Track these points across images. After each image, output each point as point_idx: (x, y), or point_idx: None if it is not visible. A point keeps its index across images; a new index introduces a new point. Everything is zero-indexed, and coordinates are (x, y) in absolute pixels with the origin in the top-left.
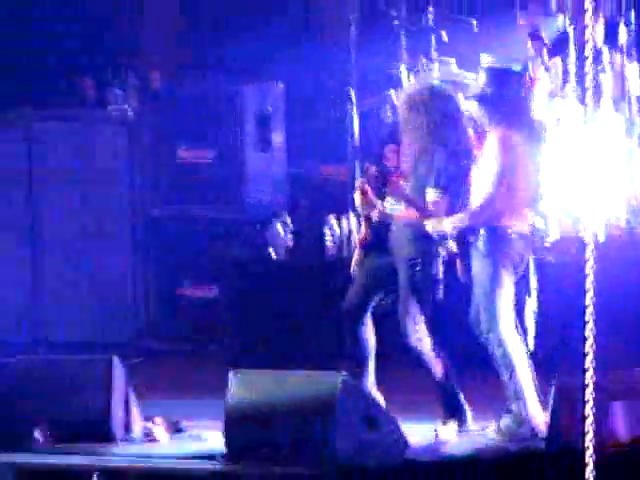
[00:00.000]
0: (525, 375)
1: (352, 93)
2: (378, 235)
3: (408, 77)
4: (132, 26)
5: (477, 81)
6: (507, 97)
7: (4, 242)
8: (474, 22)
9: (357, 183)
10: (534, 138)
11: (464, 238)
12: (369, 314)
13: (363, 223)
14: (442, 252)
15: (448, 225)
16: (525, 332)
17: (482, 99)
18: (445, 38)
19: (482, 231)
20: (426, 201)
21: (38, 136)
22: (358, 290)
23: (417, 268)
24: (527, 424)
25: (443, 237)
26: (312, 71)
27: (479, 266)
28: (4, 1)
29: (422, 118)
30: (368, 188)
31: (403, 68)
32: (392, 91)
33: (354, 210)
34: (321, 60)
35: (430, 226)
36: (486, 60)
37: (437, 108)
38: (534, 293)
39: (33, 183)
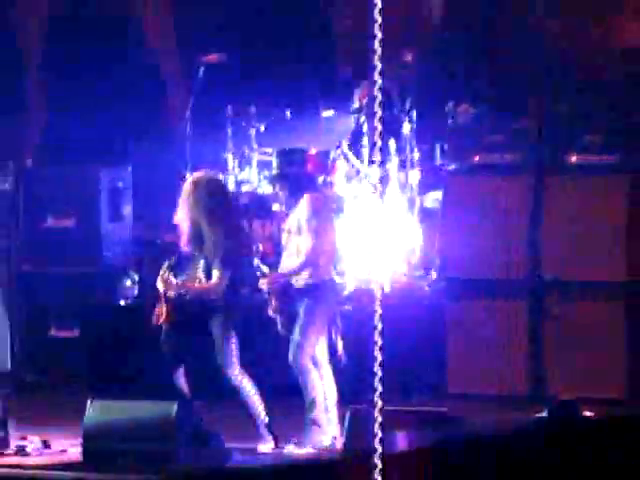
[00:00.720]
0: (323, 399)
1: (187, 174)
2: (179, 308)
3: (233, 162)
4: (11, 123)
5: (273, 164)
6: (297, 172)
7: None
8: (288, 113)
9: (162, 271)
10: (332, 206)
11: (287, 293)
12: (181, 370)
13: (165, 303)
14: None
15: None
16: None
17: (278, 178)
18: (262, 129)
19: (312, 284)
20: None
21: None
22: (172, 357)
23: (225, 327)
24: (324, 437)
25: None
26: (156, 157)
27: (303, 311)
28: None
29: (200, 203)
30: (169, 271)
31: (229, 154)
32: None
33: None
34: (164, 148)
35: (262, 283)
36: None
37: (212, 194)
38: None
39: None
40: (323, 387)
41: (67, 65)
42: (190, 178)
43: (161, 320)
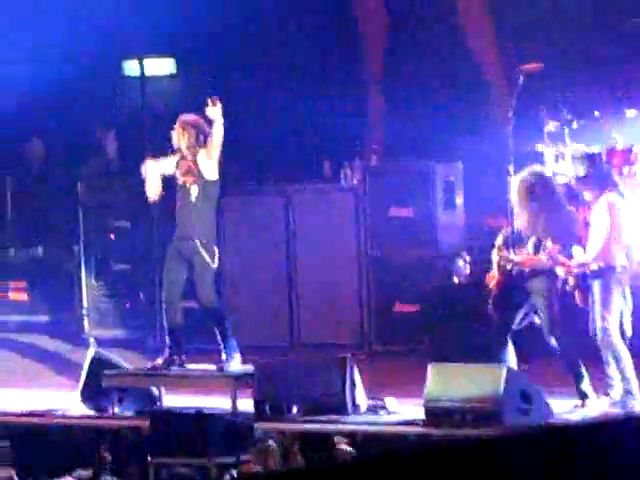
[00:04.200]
0: (629, 365)
1: (510, 167)
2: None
3: (550, 156)
4: (356, 127)
5: (578, 165)
6: (602, 173)
7: (269, 269)
8: (596, 113)
9: (497, 242)
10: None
11: (586, 275)
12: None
13: (497, 270)
14: (569, 284)
15: (574, 267)
16: (624, 335)
17: (584, 178)
18: (575, 126)
19: (601, 269)
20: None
21: (294, 202)
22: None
23: (549, 296)
24: (632, 399)
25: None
26: (483, 153)
27: (598, 293)
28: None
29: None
30: (503, 246)
31: (546, 149)
32: (537, 165)
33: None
34: (488, 144)
35: (560, 270)
36: (582, 149)
37: (540, 188)
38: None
39: (290, 234)
40: (627, 356)
41: (403, 71)
42: (520, 175)
43: (492, 283)
